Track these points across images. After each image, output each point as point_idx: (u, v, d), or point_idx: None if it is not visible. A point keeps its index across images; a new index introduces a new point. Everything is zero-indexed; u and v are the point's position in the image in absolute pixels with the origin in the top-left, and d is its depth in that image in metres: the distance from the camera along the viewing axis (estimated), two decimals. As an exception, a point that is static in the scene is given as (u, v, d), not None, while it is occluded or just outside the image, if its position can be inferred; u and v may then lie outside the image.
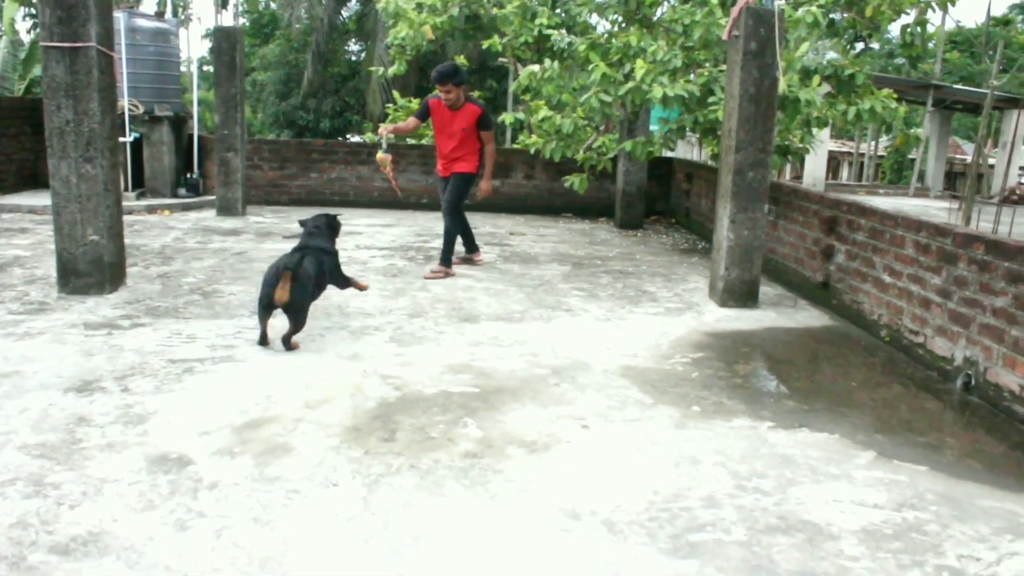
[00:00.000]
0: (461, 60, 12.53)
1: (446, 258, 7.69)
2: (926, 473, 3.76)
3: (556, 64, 9.20)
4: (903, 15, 8.54)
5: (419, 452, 3.73)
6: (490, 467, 3.61)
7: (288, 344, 5.16)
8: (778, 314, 6.62)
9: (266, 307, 5.13)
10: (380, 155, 7.44)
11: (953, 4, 8.54)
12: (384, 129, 7.62)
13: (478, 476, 3.52)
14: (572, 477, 3.56)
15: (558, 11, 10.06)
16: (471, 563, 2.87)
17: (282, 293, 4.98)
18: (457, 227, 7.79)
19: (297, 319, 5.17)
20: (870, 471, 3.75)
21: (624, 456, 3.81)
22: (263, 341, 5.21)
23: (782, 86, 7.15)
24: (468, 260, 8.15)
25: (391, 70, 11.67)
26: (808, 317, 6.59)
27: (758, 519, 3.25)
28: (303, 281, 5.12)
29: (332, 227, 5.99)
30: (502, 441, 3.89)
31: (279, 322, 5.23)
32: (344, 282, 5.92)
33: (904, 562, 2.99)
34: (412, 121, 8.05)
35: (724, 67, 7.70)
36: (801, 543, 3.08)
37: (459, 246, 8.09)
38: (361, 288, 6.11)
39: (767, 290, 7.31)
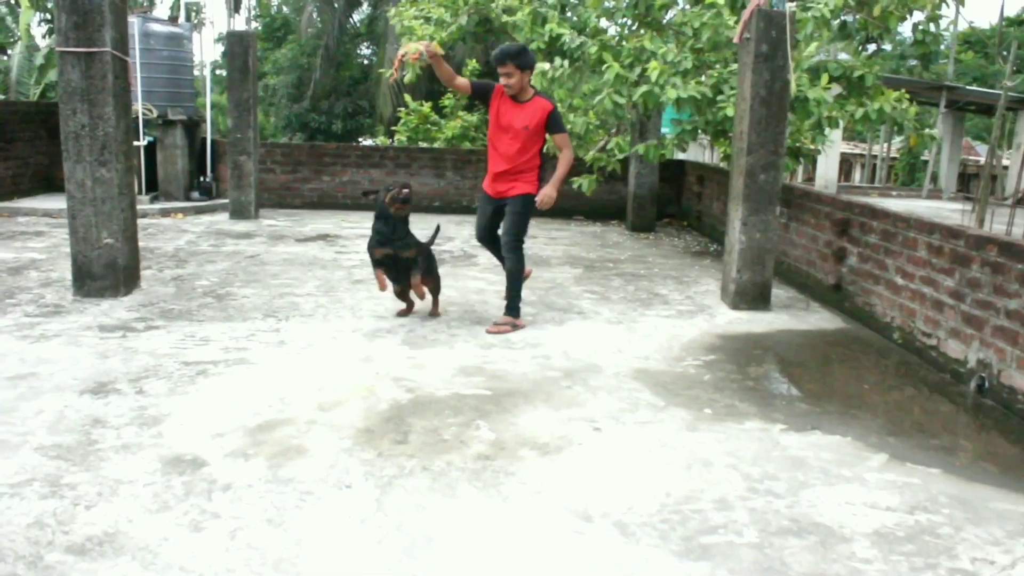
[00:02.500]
0: (472, 65, 12.53)
1: (513, 305, 6.05)
2: (939, 476, 3.75)
3: (566, 63, 9.19)
4: (913, 14, 8.52)
5: (432, 454, 3.75)
6: (502, 469, 3.62)
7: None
8: (790, 316, 6.61)
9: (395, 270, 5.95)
10: (413, 48, 5.88)
11: (963, 4, 8.52)
12: (425, 46, 5.86)
13: (490, 478, 3.53)
14: (584, 479, 3.57)
15: (569, 15, 10.07)
16: (484, 565, 2.88)
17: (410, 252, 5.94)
18: (522, 265, 6.06)
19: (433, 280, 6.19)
20: (883, 473, 3.74)
21: (636, 458, 3.81)
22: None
23: (792, 86, 7.15)
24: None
25: (406, 77, 11.70)
26: (820, 319, 6.57)
27: (770, 521, 3.25)
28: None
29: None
30: (514, 443, 3.90)
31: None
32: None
33: (917, 565, 2.98)
34: (463, 82, 6.18)
35: (734, 67, 7.70)
36: (813, 545, 3.08)
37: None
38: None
39: (779, 292, 7.30)
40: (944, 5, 8.67)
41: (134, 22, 10.84)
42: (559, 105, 9.96)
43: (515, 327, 5.95)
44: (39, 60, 16.92)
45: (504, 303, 6.12)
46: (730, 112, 7.43)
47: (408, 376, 4.82)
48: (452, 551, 2.96)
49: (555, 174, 5.94)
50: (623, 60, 8.52)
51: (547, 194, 5.94)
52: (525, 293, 6.42)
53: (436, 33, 10.38)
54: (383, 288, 5.88)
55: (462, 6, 10.38)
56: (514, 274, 6.02)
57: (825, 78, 7.88)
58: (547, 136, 6.02)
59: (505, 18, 9.97)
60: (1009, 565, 3.01)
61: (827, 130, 8.85)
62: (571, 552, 2.98)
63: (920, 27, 8.88)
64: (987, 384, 4.84)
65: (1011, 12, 32.39)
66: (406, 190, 5.90)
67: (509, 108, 5.93)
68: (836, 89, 8.73)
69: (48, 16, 24.06)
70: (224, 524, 3.08)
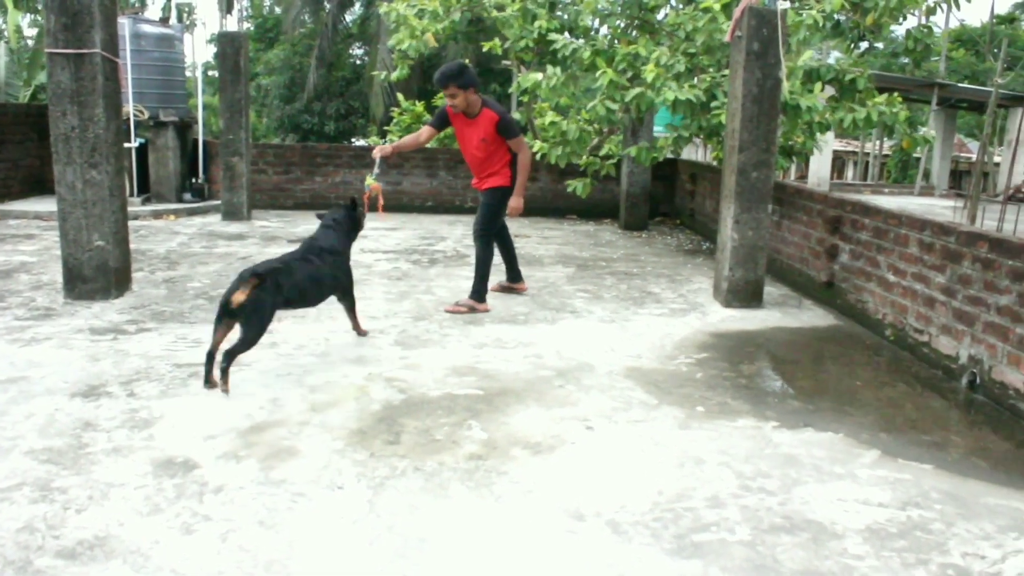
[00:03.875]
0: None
1: (476, 290, 6.45)
2: (931, 471, 3.76)
3: (559, 71, 9.19)
4: (906, 18, 8.55)
5: (424, 454, 3.74)
6: (495, 469, 3.62)
7: (228, 361, 4.42)
8: (783, 314, 6.62)
9: (221, 315, 4.51)
10: (370, 181, 6.15)
11: (959, 8, 8.55)
12: (379, 151, 6.31)
13: (483, 478, 3.53)
14: (576, 478, 3.57)
15: (558, 13, 10.05)
16: (476, 565, 2.88)
17: (239, 296, 4.40)
18: (488, 253, 6.50)
19: (247, 333, 4.50)
20: (875, 470, 3.75)
21: (628, 457, 3.81)
22: (208, 362, 4.52)
23: (784, 92, 7.16)
24: (510, 289, 7.07)
25: (394, 75, 11.68)
26: (813, 317, 6.58)
27: (762, 519, 3.25)
28: (269, 292, 4.58)
29: (352, 221, 5.49)
30: (506, 443, 3.90)
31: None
32: (349, 297, 5.48)
33: (909, 561, 2.99)
34: (425, 132, 6.56)
35: (727, 72, 7.71)
36: (805, 542, 3.09)
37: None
38: (359, 331, 5.58)
39: (772, 290, 7.31)
40: (939, 9, 8.71)
41: (124, 23, 10.81)
42: (550, 104, 9.97)
43: (473, 310, 6.36)
44: (28, 61, 16.87)
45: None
46: (724, 119, 7.44)
47: (400, 376, 4.81)
48: (444, 551, 2.95)
49: (516, 182, 6.40)
50: (617, 65, 8.51)
51: (512, 206, 6.48)
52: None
53: (431, 26, 10.35)
54: None
55: (454, 3, 10.35)
56: (480, 260, 6.45)
57: (819, 86, 7.90)
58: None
59: (495, 14, 9.94)
60: (1000, 559, 3.02)
61: (817, 135, 8.88)
62: (563, 551, 2.98)
63: (913, 33, 8.91)
64: (978, 380, 4.85)
65: (1002, 10, 32.51)
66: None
67: (463, 125, 6.41)
68: (829, 91, 8.75)
69: (39, 17, 23.97)
70: (215, 526, 3.07)
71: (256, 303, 4.49)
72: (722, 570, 2.89)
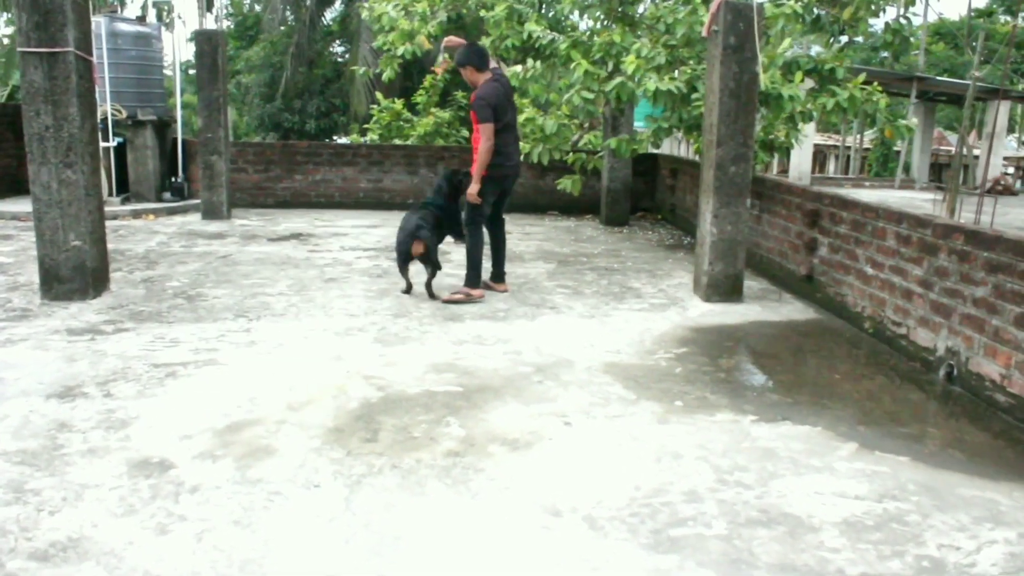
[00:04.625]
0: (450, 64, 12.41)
1: (469, 277, 6.65)
2: (908, 464, 3.78)
3: (539, 64, 9.19)
4: (885, 11, 8.58)
5: (401, 452, 3.73)
6: (472, 466, 3.61)
7: (430, 288, 6.60)
8: (762, 308, 6.64)
9: (404, 260, 6.60)
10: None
11: None
12: (450, 40, 7.02)
13: (460, 475, 3.52)
14: (554, 474, 3.56)
15: (545, 12, 10.04)
16: (451, 562, 2.87)
17: (417, 247, 6.46)
18: (477, 240, 6.65)
19: (433, 265, 6.60)
20: (852, 463, 3.76)
21: (606, 452, 3.81)
22: (408, 289, 6.77)
23: (764, 82, 7.17)
24: (490, 288, 6.95)
25: (384, 75, 11.60)
26: (792, 310, 6.60)
27: (739, 512, 3.26)
28: (429, 238, 6.48)
29: (453, 185, 6.83)
30: (484, 440, 3.89)
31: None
32: (459, 232, 6.88)
33: (885, 553, 3.00)
34: None
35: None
36: (782, 536, 3.09)
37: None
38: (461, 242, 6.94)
39: (752, 284, 7.33)
40: (912, 3, 8.75)
41: (101, 22, 10.74)
42: (532, 100, 9.96)
43: (469, 296, 6.59)
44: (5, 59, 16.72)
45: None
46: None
47: (379, 374, 4.79)
48: (420, 549, 2.94)
49: (473, 167, 6.54)
50: (593, 55, 8.51)
51: (468, 191, 6.58)
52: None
53: (420, 27, 10.31)
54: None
55: (439, 3, 10.31)
56: (469, 248, 6.71)
57: (799, 76, 7.92)
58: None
59: (482, 12, 9.91)
60: (975, 550, 3.03)
61: (800, 125, 8.90)
62: (538, 547, 2.97)
63: (891, 26, 8.95)
64: (956, 372, 4.87)
65: (979, 3, 32.71)
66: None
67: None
68: (809, 83, 8.77)
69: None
70: (191, 526, 3.05)
71: (429, 249, 6.52)
72: (698, 564, 2.89)
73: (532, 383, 4.71)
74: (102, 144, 10.34)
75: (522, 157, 9.40)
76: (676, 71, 8.34)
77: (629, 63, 7.85)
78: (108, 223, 6.86)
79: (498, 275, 7.03)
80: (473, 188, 6.48)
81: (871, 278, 5.90)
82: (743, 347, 5.63)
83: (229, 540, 2.96)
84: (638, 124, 11.37)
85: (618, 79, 7.94)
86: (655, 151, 12.51)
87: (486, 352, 5.28)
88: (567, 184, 9.67)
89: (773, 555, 2.96)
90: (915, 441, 4.06)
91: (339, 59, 29.07)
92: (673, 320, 6.20)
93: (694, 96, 7.99)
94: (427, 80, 14.89)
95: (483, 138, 6.36)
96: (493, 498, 3.33)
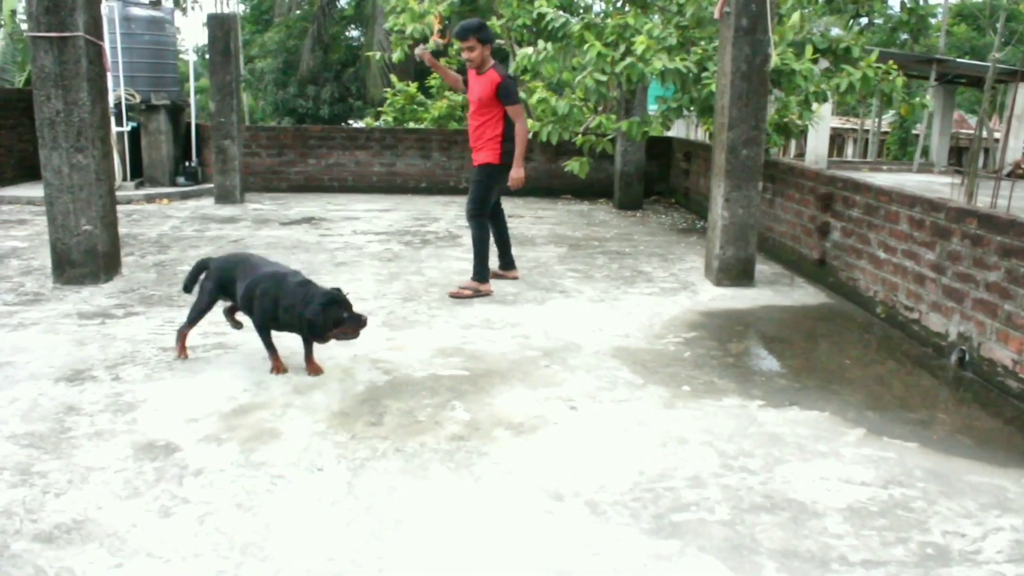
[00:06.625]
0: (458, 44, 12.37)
1: (477, 271, 6.39)
2: (915, 450, 3.74)
3: (551, 45, 9.14)
4: None
5: (405, 436, 3.73)
6: (476, 450, 3.61)
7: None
8: (774, 292, 6.59)
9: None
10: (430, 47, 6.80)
11: None
12: (422, 51, 6.69)
13: (463, 459, 3.52)
14: (557, 459, 3.55)
15: None
16: (451, 545, 2.87)
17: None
18: (484, 233, 6.43)
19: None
20: (859, 448, 3.73)
21: (611, 437, 3.80)
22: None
23: (776, 60, 7.10)
24: (501, 276, 6.83)
25: (394, 56, 11.57)
26: (804, 295, 6.55)
27: (743, 498, 3.24)
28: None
29: (328, 317, 4.33)
30: (489, 424, 3.89)
31: None
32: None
33: (888, 539, 2.97)
34: (456, 76, 7.02)
35: (718, 44, 7.65)
36: (785, 521, 3.07)
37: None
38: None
39: (764, 268, 7.28)
40: None
41: (114, 6, 10.76)
42: (546, 83, 9.90)
43: (477, 292, 6.28)
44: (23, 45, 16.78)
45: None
46: (715, 88, 7.39)
47: (386, 358, 4.79)
48: (421, 532, 2.94)
49: (516, 152, 6.26)
50: (606, 38, 8.45)
51: (513, 177, 6.34)
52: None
53: (431, 7, 10.29)
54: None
55: None
56: (476, 241, 6.38)
57: (809, 50, 7.83)
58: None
59: None
60: (980, 537, 3.00)
61: (814, 105, 8.82)
62: (540, 532, 2.97)
63: (908, 4, 8.85)
64: (967, 357, 4.82)
65: (1003, -17, 32.21)
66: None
67: (472, 81, 6.35)
68: (824, 63, 8.69)
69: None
70: (193, 509, 3.06)
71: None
72: (700, 550, 2.88)
73: (539, 367, 4.70)
74: (116, 129, 10.38)
75: (531, 135, 9.43)
76: (688, 51, 8.28)
77: (640, 43, 7.80)
78: (122, 207, 6.90)
79: (507, 263, 6.91)
80: (519, 173, 6.32)
81: (884, 262, 5.84)
82: (753, 332, 5.59)
83: (231, 523, 2.97)
84: (651, 108, 11.27)
85: (628, 60, 7.88)
86: (669, 134, 12.45)
87: (494, 336, 5.27)
88: (574, 166, 9.61)
89: (775, 541, 2.94)
90: (924, 427, 4.02)
91: (354, 44, 29.02)
92: (683, 304, 6.17)
93: (704, 75, 7.92)
94: (441, 62, 14.85)
95: (521, 119, 6.24)
96: (496, 482, 3.32)
